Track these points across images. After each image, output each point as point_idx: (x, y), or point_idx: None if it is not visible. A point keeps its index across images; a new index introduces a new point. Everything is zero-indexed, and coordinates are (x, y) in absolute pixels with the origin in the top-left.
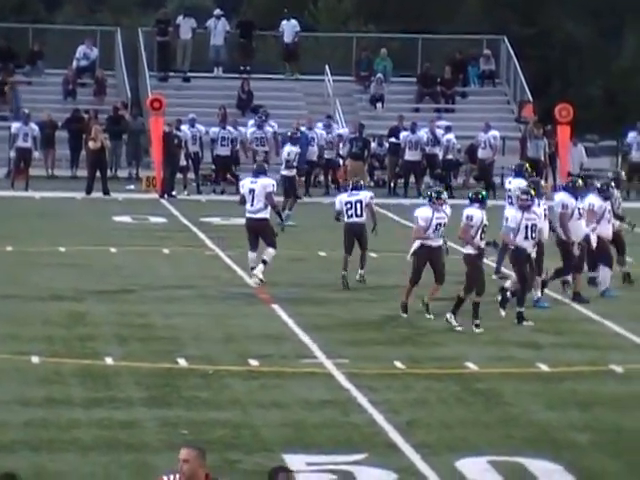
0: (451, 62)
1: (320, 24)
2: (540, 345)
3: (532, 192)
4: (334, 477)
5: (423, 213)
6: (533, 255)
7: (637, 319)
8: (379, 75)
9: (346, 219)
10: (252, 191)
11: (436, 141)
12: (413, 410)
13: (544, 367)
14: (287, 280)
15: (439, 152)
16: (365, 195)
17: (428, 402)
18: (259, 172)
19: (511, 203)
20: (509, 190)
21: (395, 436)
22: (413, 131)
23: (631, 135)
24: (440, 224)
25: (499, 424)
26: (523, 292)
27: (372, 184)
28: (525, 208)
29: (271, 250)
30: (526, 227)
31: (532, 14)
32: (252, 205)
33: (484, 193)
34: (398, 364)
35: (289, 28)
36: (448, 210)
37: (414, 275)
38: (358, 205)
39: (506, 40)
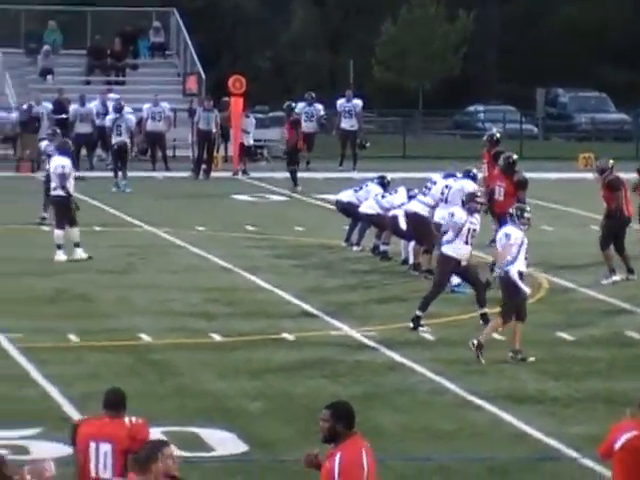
0: (121, 34)
1: None
2: (213, 315)
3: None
4: (6, 452)
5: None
6: None
7: (308, 288)
8: (46, 47)
9: None
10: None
11: (107, 113)
12: (87, 383)
13: (217, 337)
14: None
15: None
16: None
17: (102, 375)
18: None
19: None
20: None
21: (69, 409)
22: (83, 104)
23: (300, 106)
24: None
25: (173, 395)
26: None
27: None
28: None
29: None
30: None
31: None
32: None
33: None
34: (72, 337)
35: None
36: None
37: None
38: None
39: (176, 12)
